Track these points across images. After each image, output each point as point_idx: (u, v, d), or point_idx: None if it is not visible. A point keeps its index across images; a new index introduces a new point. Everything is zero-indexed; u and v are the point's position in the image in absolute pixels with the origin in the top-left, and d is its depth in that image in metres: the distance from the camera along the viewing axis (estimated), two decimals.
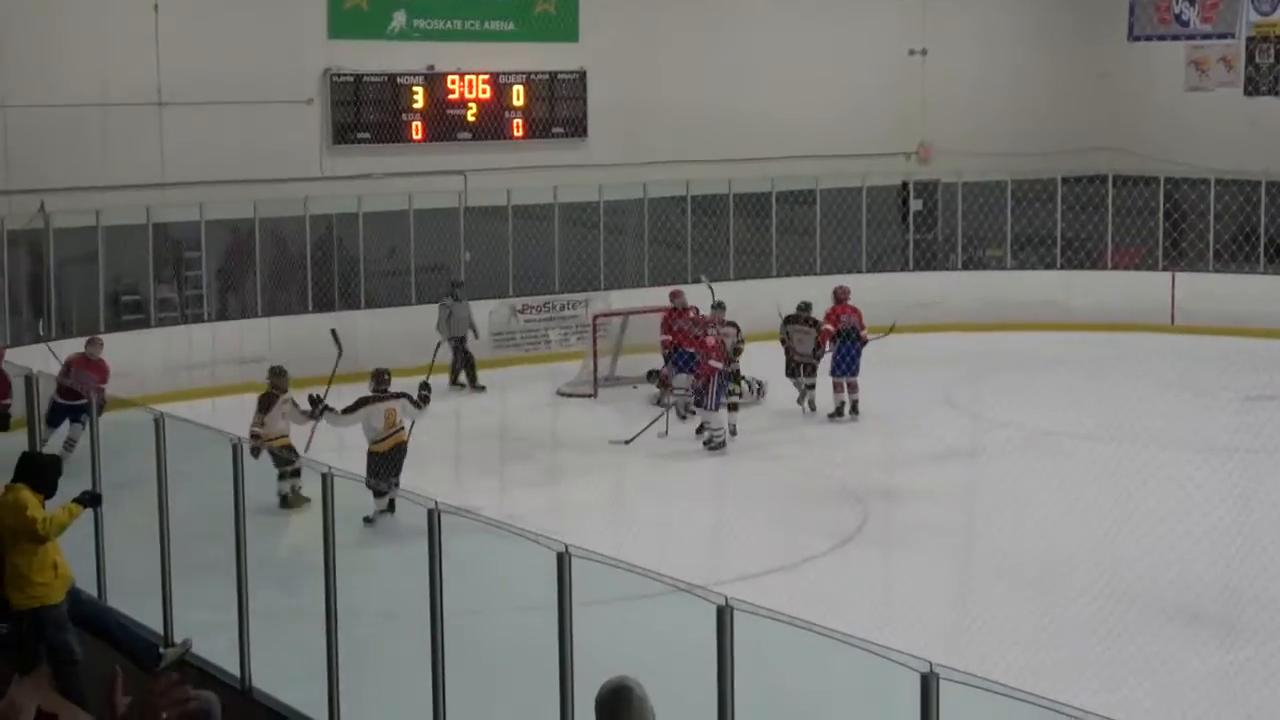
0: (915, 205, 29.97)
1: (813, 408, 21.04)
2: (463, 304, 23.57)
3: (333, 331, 18.47)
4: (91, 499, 10.66)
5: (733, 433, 19.97)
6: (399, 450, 16.46)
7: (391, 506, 15.71)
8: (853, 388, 20.77)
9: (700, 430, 19.81)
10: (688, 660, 6.92)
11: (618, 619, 10.49)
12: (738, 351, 20.70)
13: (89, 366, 18.62)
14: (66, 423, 17.11)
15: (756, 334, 21.63)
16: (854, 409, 20.69)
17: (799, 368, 21.20)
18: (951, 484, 17.80)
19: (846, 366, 20.76)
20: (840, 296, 21.35)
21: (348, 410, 16.57)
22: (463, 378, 23.16)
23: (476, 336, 23.55)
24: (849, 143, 29.28)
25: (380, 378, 16.74)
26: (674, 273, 26.79)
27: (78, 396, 16.30)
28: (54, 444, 15.32)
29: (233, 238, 24.27)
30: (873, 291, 25.77)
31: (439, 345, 22.01)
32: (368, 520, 15.66)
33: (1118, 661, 12.03)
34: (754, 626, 6.67)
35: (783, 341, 21.34)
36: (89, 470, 11.27)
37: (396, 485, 15.78)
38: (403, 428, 16.54)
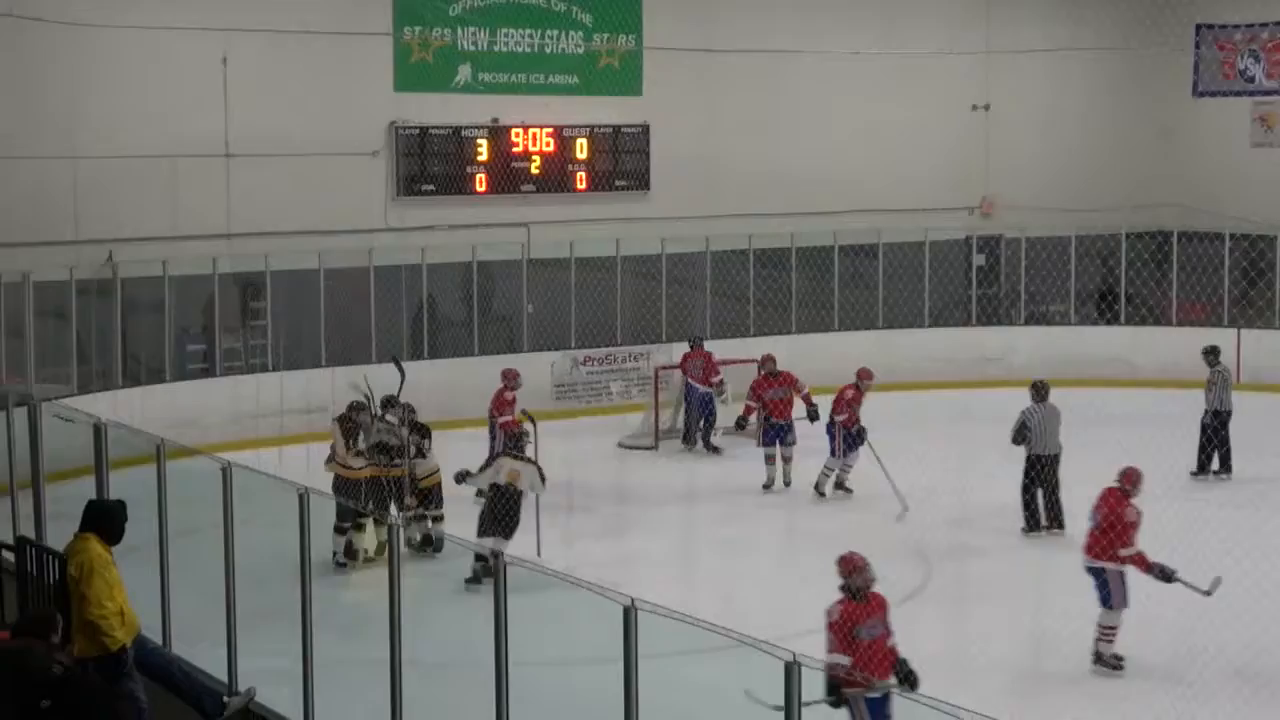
0: (978, 260, 29.86)
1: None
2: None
3: (394, 358, 18.53)
4: None
5: (786, 483, 20.04)
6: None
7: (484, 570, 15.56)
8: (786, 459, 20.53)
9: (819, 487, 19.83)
10: (755, 717, 6.86)
11: (684, 674, 10.44)
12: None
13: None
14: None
15: (822, 388, 21.50)
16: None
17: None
18: (1019, 542, 17.63)
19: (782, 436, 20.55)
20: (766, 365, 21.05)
21: (483, 469, 16.49)
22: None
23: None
24: (912, 197, 29.21)
25: (518, 440, 16.65)
26: (737, 326, 26.77)
27: None
28: None
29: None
30: (935, 346, 25.70)
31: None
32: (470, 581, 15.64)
33: None
34: (820, 683, 6.61)
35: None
36: (155, 517, 11.32)
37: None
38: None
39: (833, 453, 19.91)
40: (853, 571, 10.74)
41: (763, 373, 20.89)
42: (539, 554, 15.85)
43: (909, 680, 10.29)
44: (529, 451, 16.55)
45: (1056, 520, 17.79)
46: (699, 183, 27.63)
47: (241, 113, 24.12)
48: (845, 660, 10.11)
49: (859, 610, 10.48)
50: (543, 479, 16.27)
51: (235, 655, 10.60)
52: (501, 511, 15.90)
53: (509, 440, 16.73)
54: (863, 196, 28.64)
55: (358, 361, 22.84)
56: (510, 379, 20.36)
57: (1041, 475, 17.87)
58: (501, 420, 19.73)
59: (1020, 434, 17.99)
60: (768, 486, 20.28)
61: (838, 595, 10.61)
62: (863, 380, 20.13)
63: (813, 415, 20.53)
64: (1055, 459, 17.92)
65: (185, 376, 23.48)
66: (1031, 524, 17.88)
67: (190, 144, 23.75)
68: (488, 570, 14.93)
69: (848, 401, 19.94)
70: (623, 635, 7.34)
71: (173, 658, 10.89)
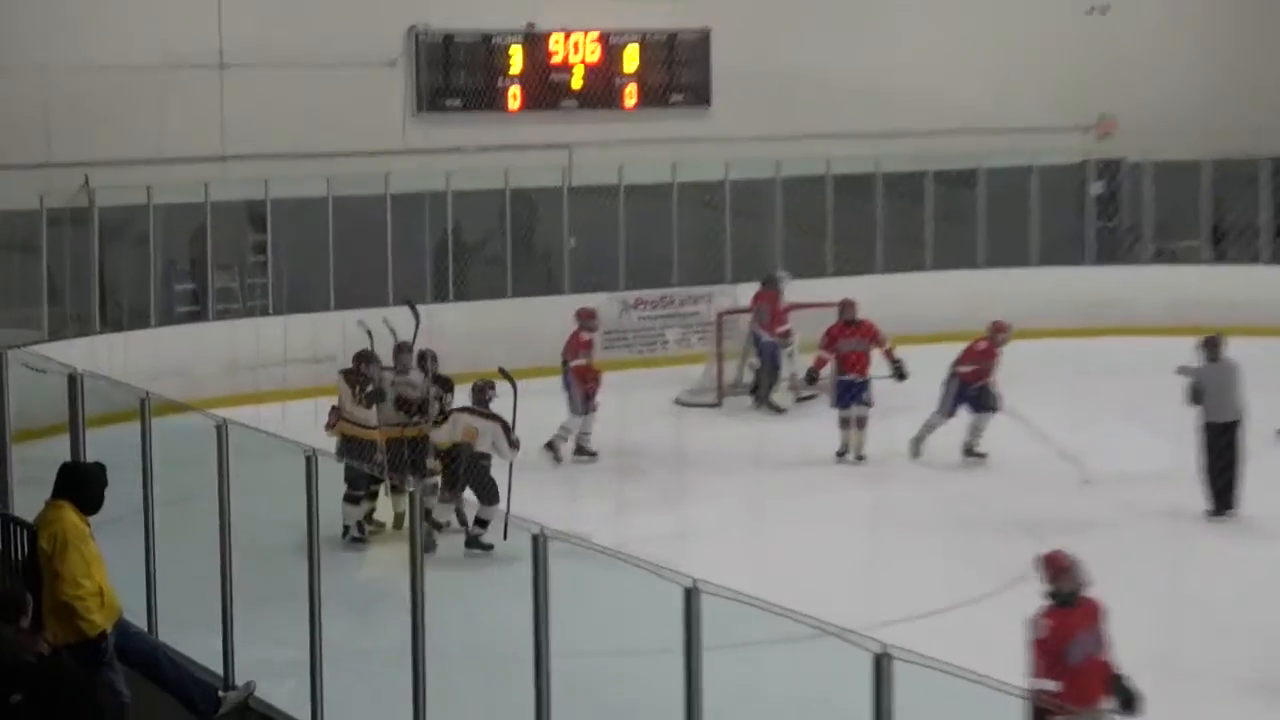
0: (1095, 188, 29.67)
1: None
2: None
3: (408, 302, 18.56)
4: None
5: (858, 456, 19.95)
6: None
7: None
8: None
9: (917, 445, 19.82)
10: (835, 716, 6.83)
11: (754, 666, 10.41)
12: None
13: None
14: None
15: (912, 337, 21.40)
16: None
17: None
18: (1141, 514, 17.54)
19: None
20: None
21: (437, 423, 16.60)
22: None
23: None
24: (1017, 115, 29.01)
25: (482, 393, 16.73)
26: (813, 264, 26.68)
27: None
28: None
29: None
30: (1045, 288, 25.54)
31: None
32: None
33: None
34: (915, 677, 6.56)
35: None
36: (139, 483, 11.35)
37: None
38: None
39: (939, 409, 19.82)
40: (1060, 574, 10.20)
41: (840, 320, 20.71)
42: (505, 536, 15.85)
43: (1130, 705, 9.83)
44: (504, 413, 16.54)
45: (1227, 500, 17.54)
46: (768, 98, 27.51)
47: (238, 17, 24.16)
48: (1053, 685, 9.55)
49: (1071, 621, 9.98)
50: (512, 443, 16.40)
51: (232, 643, 10.60)
52: (466, 475, 16.11)
53: (474, 393, 16.82)
54: (960, 114, 28.46)
55: (371, 304, 22.78)
56: (586, 319, 20.74)
57: (1220, 446, 17.64)
58: (574, 364, 20.14)
59: (1195, 396, 17.74)
60: (842, 454, 20.15)
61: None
62: (997, 333, 19.94)
63: (898, 373, 20.38)
64: (1234, 426, 17.70)
65: (173, 321, 23.62)
66: (1220, 505, 17.59)
67: (178, 53, 23.80)
68: (432, 543, 15.41)
69: (979, 353, 19.83)
70: (683, 622, 7.31)
71: (159, 645, 10.91)
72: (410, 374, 16.98)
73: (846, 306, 20.75)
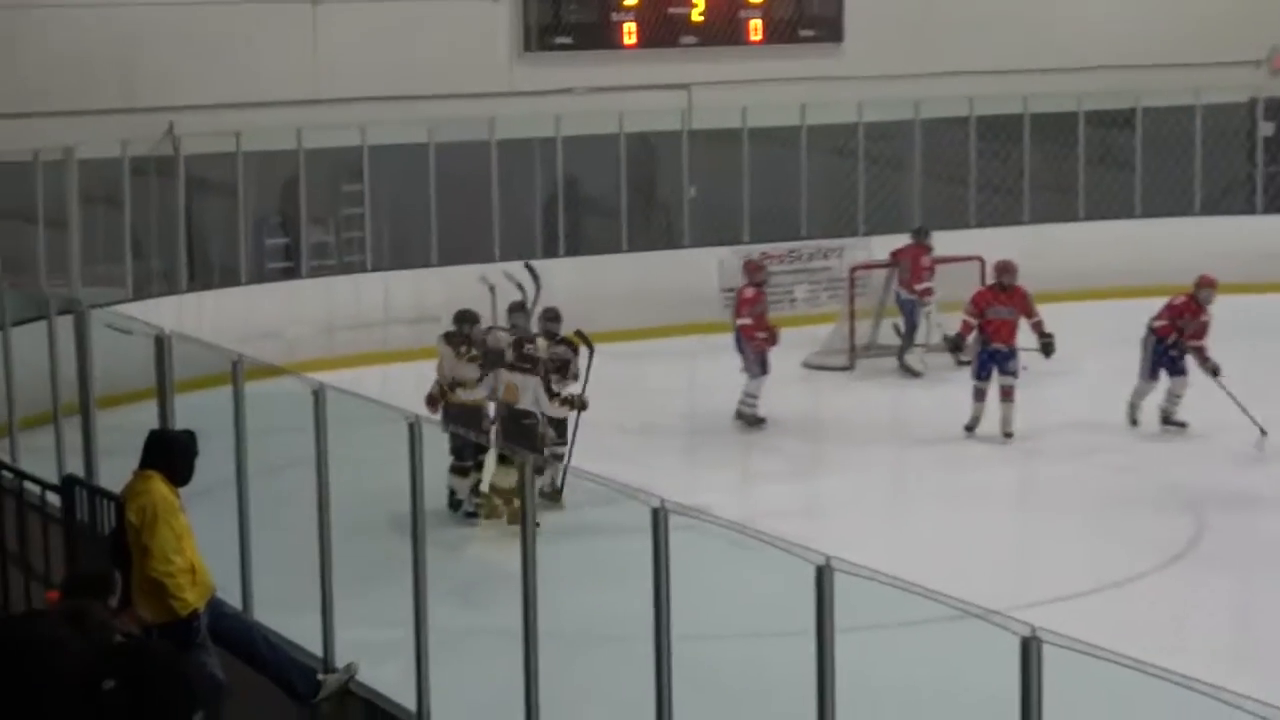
0: (1266, 129, 29.38)
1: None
2: None
3: (528, 265, 18.71)
4: None
5: (1006, 433, 19.67)
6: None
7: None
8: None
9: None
10: (980, 703, 6.87)
11: (891, 649, 10.45)
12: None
13: None
14: None
15: (1061, 294, 21.30)
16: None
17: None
18: None
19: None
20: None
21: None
22: None
23: None
24: (1178, 49, 28.70)
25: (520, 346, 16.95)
26: (954, 214, 26.58)
27: None
28: None
29: None
30: (1210, 240, 25.30)
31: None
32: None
33: None
34: (1065, 663, 6.60)
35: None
36: (230, 452, 11.50)
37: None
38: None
39: (1140, 373, 19.70)
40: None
41: (991, 283, 20.51)
42: (561, 487, 16.21)
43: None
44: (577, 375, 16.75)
45: None
46: (905, 32, 27.41)
47: None
48: None
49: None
50: (574, 403, 16.75)
51: (332, 624, 10.70)
52: (515, 434, 16.27)
53: (513, 347, 16.96)
54: (1115, 48, 28.21)
55: (476, 259, 22.99)
56: (751, 272, 20.89)
57: None
58: (740, 323, 20.27)
59: None
60: (971, 428, 19.90)
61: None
62: (1201, 289, 19.76)
63: (1047, 348, 20.21)
64: None
65: (265, 278, 23.86)
66: None
67: None
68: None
69: (1176, 309, 19.67)
70: (815, 602, 7.36)
71: (254, 625, 11.04)
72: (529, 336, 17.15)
73: (1005, 270, 20.37)
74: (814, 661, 7.41)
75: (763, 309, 20.55)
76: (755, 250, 25.56)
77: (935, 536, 16.00)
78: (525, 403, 16.50)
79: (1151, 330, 19.63)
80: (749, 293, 20.53)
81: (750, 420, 20.14)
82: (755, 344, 20.22)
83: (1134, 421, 19.81)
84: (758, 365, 20.22)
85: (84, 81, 22.79)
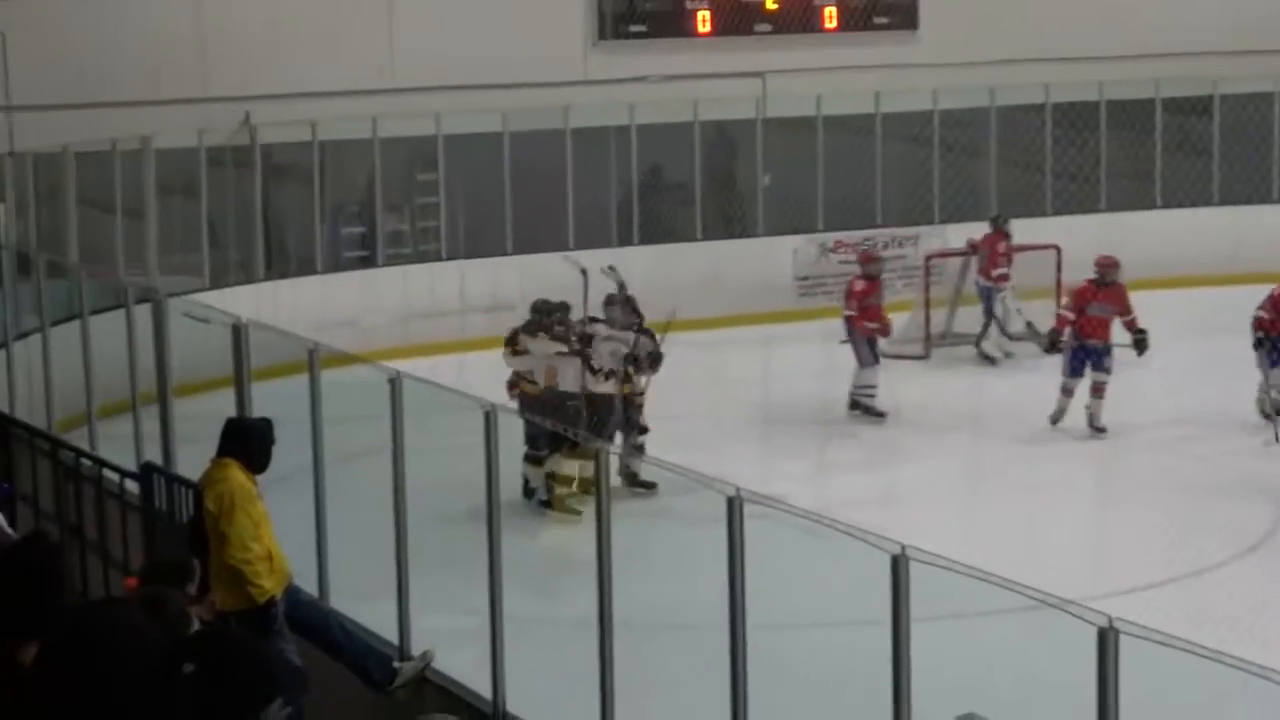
0: None
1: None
2: None
3: (611, 269, 18.69)
4: None
5: (1097, 427, 19.43)
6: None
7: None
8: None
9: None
10: (1056, 693, 6.85)
11: (967, 639, 10.42)
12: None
13: None
14: None
15: (1142, 281, 21.14)
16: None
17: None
18: None
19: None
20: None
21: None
22: None
23: None
24: (1256, 35, 28.47)
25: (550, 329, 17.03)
26: (1031, 202, 26.47)
27: None
28: None
29: None
30: None
31: None
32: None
33: None
34: (1142, 654, 6.58)
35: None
36: (307, 440, 11.55)
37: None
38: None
39: (1259, 365, 19.36)
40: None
41: (1091, 278, 20.08)
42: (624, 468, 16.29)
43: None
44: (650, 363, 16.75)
45: None
46: (981, 20, 27.26)
47: None
48: None
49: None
50: (643, 364, 16.72)
51: (408, 611, 10.77)
52: (556, 417, 16.27)
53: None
54: (1192, 34, 28.01)
55: (551, 248, 23.00)
56: (864, 262, 20.84)
57: None
58: (846, 314, 20.25)
59: None
60: (1056, 420, 19.75)
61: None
62: None
63: (1141, 346, 20.05)
64: None
65: (340, 267, 23.93)
66: None
67: None
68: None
69: (1277, 299, 19.37)
70: (891, 591, 7.37)
71: (331, 612, 11.12)
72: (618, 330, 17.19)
73: (1107, 266, 20.10)
74: (889, 651, 7.41)
75: (875, 300, 20.38)
76: (829, 238, 25.54)
77: (1011, 525, 15.98)
78: (566, 384, 16.51)
79: (1256, 321, 19.34)
80: (859, 285, 20.41)
81: (868, 410, 20.05)
82: (864, 333, 20.16)
83: (1267, 415, 19.24)
84: (870, 355, 20.17)
85: (161, 72, 22.90)
